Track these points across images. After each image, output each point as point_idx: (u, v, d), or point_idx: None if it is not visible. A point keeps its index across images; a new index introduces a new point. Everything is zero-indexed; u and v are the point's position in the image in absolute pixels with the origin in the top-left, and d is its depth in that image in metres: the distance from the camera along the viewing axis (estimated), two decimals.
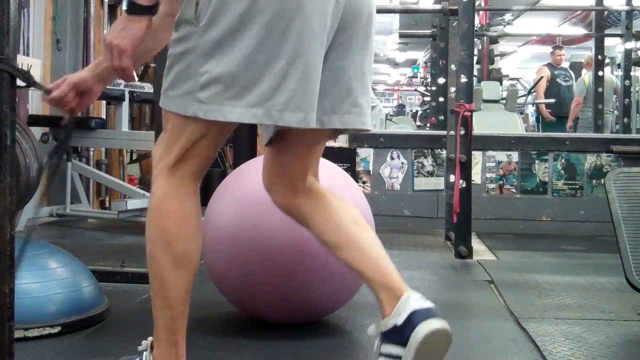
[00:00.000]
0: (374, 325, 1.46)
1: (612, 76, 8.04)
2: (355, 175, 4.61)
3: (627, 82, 6.16)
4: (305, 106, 1.37)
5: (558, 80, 8.09)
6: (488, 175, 4.68)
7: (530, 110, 11.95)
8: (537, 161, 4.66)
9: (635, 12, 6.33)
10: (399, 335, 1.39)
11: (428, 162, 4.64)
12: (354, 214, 1.56)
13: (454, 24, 4.31)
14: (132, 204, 4.08)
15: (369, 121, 1.51)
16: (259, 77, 1.33)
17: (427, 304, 1.41)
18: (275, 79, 1.33)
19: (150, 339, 1.52)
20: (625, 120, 6.10)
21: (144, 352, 1.52)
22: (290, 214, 1.61)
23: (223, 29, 1.32)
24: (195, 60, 1.35)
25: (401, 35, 5.52)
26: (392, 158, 4.73)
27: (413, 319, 1.39)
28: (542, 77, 8.14)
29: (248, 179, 2.11)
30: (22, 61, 3.70)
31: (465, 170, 3.52)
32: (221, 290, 2.17)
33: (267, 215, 1.97)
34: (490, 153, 4.65)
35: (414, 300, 1.41)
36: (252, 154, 5.33)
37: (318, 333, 2.08)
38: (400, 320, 1.40)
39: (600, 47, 6.33)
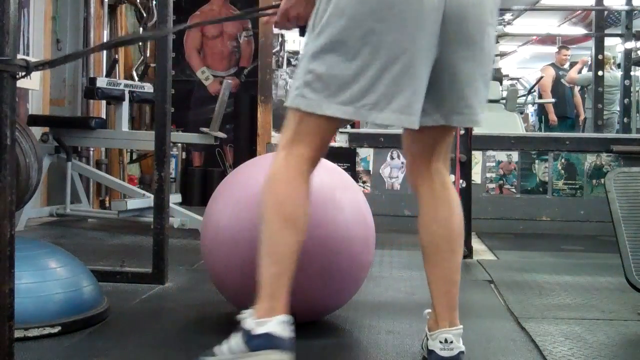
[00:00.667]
0: (427, 314, 1.83)
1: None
2: (355, 175, 4.62)
3: (627, 82, 6.15)
4: (393, 108, 1.56)
5: (562, 80, 8.08)
6: (488, 175, 4.68)
7: (531, 110, 11.94)
8: (537, 161, 4.66)
9: (635, 12, 6.32)
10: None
11: None
12: (451, 234, 1.81)
13: None
14: (132, 204, 4.07)
15: (480, 119, 1.71)
16: (353, 80, 1.55)
17: (446, 354, 1.73)
18: (367, 83, 1.55)
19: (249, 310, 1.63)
20: (625, 120, 6.10)
21: (245, 320, 1.60)
22: (415, 192, 1.82)
23: (329, 37, 1.56)
24: (307, 61, 1.60)
25: None
26: (392, 158, 4.73)
27: (431, 357, 1.73)
28: (542, 77, 8.12)
29: (247, 179, 2.11)
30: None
31: (465, 170, 3.52)
32: (221, 290, 2.17)
33: None
34: (490, 153, 4.65)
35: (439, 343, 1.74)
36: (252, 154, 5.33)
37: (318, 333, 2.08)
38: (429, 346, 1.76)
39: (600, 47, 6.32)
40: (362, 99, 1.56)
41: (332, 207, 2.03)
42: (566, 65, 8.45)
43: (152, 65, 5.30)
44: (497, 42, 8.37)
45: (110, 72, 4.95)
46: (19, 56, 1.38)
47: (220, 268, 2.09)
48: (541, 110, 8.47)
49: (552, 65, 8.27)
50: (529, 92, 10.40)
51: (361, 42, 1.54)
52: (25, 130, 3.47)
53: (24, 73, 1.40)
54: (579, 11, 9.51)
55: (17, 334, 1.60)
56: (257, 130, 5.04)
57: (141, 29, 5.63)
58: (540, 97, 8.54)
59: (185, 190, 5.69)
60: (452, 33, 1.59)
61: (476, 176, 4.45)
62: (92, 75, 4.95)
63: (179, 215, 3.96)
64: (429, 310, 1.81)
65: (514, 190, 4.67)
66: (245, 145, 5.75)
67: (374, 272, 2.75)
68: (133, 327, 2.11)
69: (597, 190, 4.56)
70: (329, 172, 2.16)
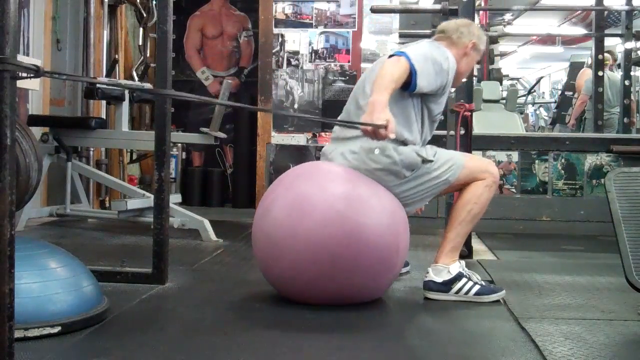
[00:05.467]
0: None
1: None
2: None
3: (627, 82, 6.15)
4: None
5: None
6: None
7: (530, 110, 11.94)
8: (537, 161, 4.66)
9: (635, 12, 6.31)
10: None
11: None
12: None
13: None
14: (132, 204, 4.07)
15: None
16: None
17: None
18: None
19: (452, 266, 2.53)
20: (625, 120, 6.09)
21: (447, 269, 2.52)
22: None
23: None
24: None
25: (401, 35, 5.49)
26: None
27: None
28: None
29: (300, 180, 2.43)
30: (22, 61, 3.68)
31: None
32: (268, 276, 2.47)
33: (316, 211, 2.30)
34: (490, 153, 4.65)
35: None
36: (252, 154, 5.33)
37: (317, 333, 2.08)
38: None
39: (600, 47, 6.31)
40: None
41: (364, 214, 2.30)
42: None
43: (152, 65, 5.30)
44: (497, 42, 8.37)
45: (110, 73, 4.95)
46: (25, 59, 1.38)
47: (273, 258, 2.39)
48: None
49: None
50: (529, 92, 10.40)
51: None
52: (25, 130, 3.46)
53: (32, 75, 1.40)
54: (579, 11, 9.52)
55: (17, 334, 1.60)
56: (257, 130, 5.03)
57: (141, 29, 5.63)
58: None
59: (185, 190, 5.69)
60: None
61: None
62: (92, 76, 4.95)
63: (179, 215, 3.96)
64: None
65: (514, 190, 4.67)
66: (245, 145, 5.75)
67: None
68: (133, 327, 2.11)
69: (597, 190, 4.56)
70: (363, 179, 2.44)
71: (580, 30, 10.61)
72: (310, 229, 2.28)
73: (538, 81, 10.21)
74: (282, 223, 2.35)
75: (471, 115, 3.52)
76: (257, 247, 2.49)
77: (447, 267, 2.53)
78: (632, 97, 6.36)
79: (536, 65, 16.11)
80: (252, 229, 2.51)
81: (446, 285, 2.51)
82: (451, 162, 2.57)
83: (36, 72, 1.37)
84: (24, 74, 1.38)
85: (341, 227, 2.27)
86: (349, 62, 5.01)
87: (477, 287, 2.53)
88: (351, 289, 2.34)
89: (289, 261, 2.33)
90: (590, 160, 4.62)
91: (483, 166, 2.63)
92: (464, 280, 2.52)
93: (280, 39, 4.98)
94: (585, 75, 8.05)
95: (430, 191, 2.58)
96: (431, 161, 2.53)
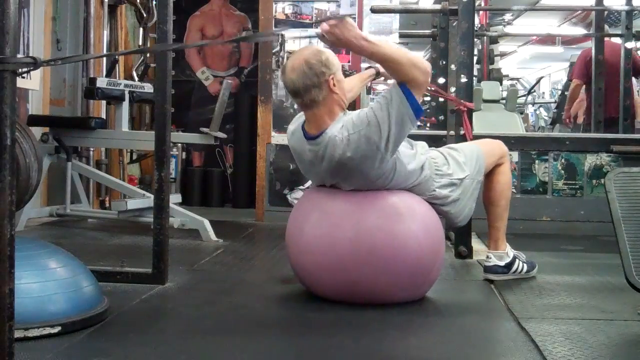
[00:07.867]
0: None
1: None
2: None
3: (627, 84, 6.13)
4: None
5: None
6: None
7: (530, 110, 11.93)
8: (537, 161, 4.66)
9: (635, 12, 6.30)
10: None
11: None
12: None
13: (454, 24, 4.31)
14: (132, 204, 4.07)
15: None
16: None
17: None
18: None
19: (508, 251, 2.91)
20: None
21: (506, 254, 2.90)
22: None
23: None
24: None
25: (401, 35, 5.48)
26: None
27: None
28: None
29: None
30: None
31: None
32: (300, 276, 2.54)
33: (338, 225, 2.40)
34: None
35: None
36: (252, 154, 5.33)
37: (318, 332, 2.08)
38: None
39: (600, 47, 6.31)
40: None
41: (409, 231, 2.42)
42: None
43: (152, 65, 5.30)
44: (497, 42, 8.36)
45: (110, 72, 4.95)
46: (18, 56, 1.38)
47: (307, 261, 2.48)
48: None
49: None
50: (529, 92, 10.40)
51: None
52: (25, 130, 3.46)
53: (31, 67, 1.39)
54: (579, 11, 9.52)
55: (17, 334, 1.60)
56: (257, 130, 5.03)
57: (141, 29, 5.63)
58: None
59: (185, 190, 5.69)
60: None
61: None
62: (92, 76, 4.95)
63: (179, 215, 3.96)
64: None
65: (514, 190, 4.66)
66: (245, 145, 5.75)
67: None
68: (133, 327, 2.12)
69: (597, 190, 4.56)
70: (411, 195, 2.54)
71: (580, 30, 10.61)
72: (355, 232, 2.37)
73: (538, 81, 10.21)
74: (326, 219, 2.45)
75: (471, 115, 3.52)
76: (291, 230, 2.58)
77: (506, 252, 2.90)
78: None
79: (536, 65, 16.11)
80: (292, 211, 2.61)
81: (508, 268, 2.89)
82: (477, 163, 2.75)
83: (34, 64, 1.37)
84: (24, 69, 1.38)
85: (386, 240, 2.36)
86: (348, 62, 5.00)
87: (525, 266, 2.94)
88: (378, 294, 2.42)
89: (322, 254, 2.40)
90: (590, 160, 4.62)
91: (498, 150, 2.89)
92: (517, 262, 2.92)
93: (280, 39, 4.98)
94: None
95: (474, 196, 2.74)
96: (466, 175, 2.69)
